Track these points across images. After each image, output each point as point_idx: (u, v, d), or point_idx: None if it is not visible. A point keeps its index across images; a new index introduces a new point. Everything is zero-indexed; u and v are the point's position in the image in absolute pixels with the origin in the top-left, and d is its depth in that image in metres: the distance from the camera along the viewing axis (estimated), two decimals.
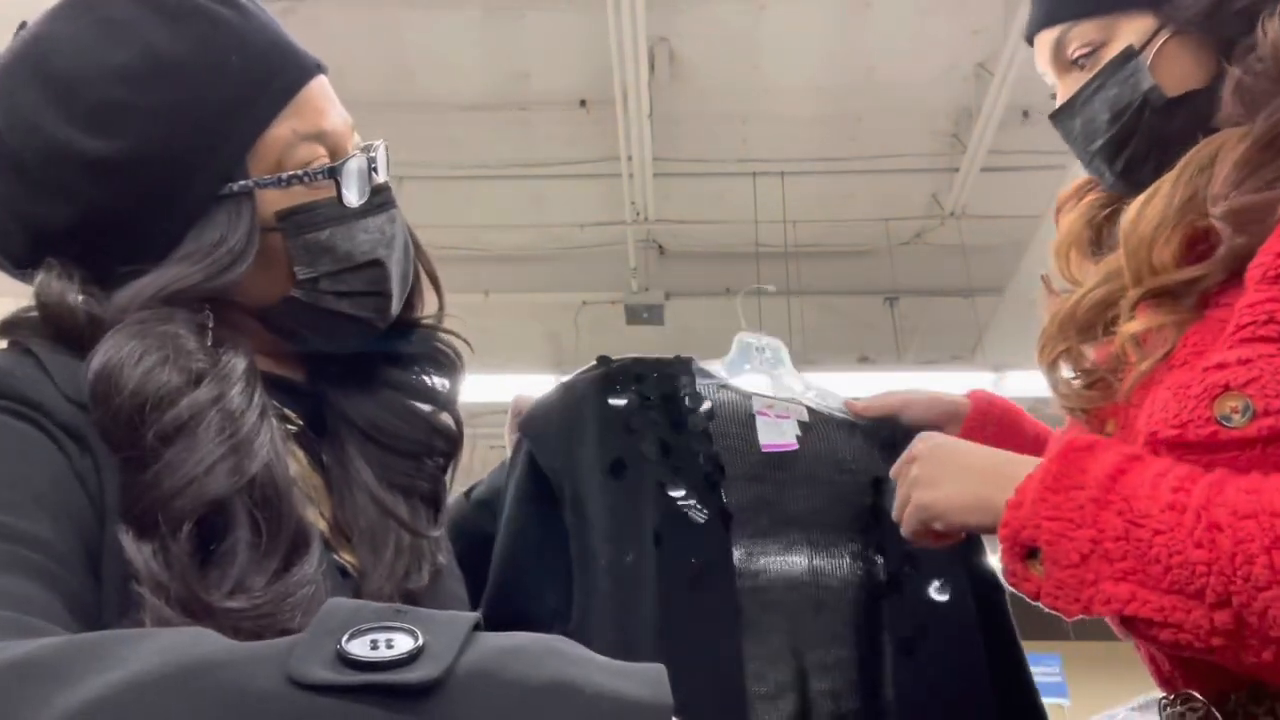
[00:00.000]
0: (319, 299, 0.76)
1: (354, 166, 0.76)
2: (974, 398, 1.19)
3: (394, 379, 0.84)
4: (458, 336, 0.88)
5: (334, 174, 0.75)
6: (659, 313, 5.46)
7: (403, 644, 0.42)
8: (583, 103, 4.42)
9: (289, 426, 0.76)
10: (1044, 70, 0.97)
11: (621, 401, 1.08)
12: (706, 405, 1.12)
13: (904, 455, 0.91)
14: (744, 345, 1.25)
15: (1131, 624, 0.71)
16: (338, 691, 0.40)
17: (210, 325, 0.69)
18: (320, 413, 0.81)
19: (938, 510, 0.84)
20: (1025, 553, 0.75)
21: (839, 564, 1.06)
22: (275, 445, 0.67)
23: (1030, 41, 0.98)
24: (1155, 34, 0.88)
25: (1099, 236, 0.98)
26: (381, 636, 0.42)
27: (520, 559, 1.04)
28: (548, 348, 5.78)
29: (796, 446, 1.13)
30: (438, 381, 0.86)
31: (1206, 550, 0.67)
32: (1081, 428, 0.91)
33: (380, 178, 0.79)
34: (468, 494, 1.18)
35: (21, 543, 0.55)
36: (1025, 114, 4.24)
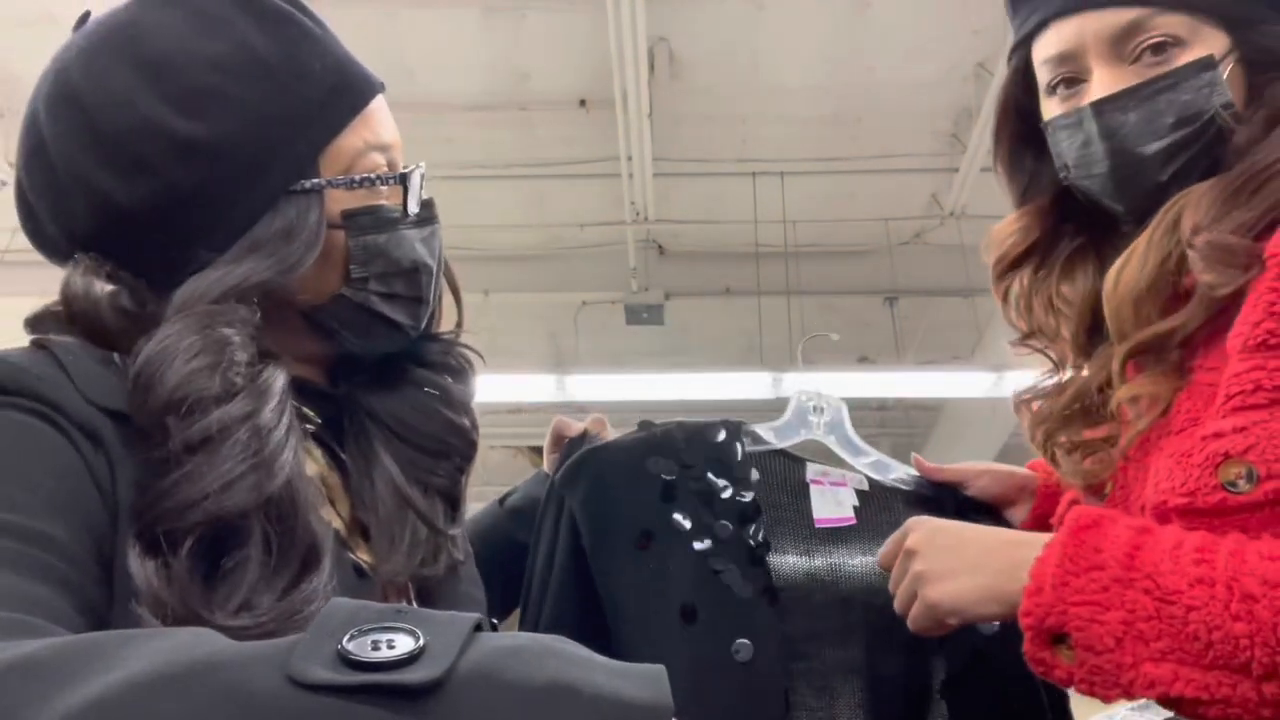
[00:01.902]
0: (367, 299, 0.78)
1: (416, 178, 0.81)
2: (1038, 470, 1.12)
3: (418, 378, 0.86)
4: (472, 349, 0.90)
5: (403, 180, 0.79)
6: (659, 313, 5.46)
7: (404, 644, 0.42)
8: (583, 103, 4.42)
9: (307, 425, 0.77)
10: (1074, 50, 0.88)
11: (660, 468, 1.01)
12: (755, 474, 1.04)
13: (895, 546, 0.89)
14: (800, 406, 1.14)
15: (1177, 704, 0.70)
16: (338, 691, 0.40)
17: (259, 326, 0.70)
18: (339, 414, 0.82)
19: (949, 607, 0.82)
20: (1051, 639, 0.74)
21: (896, 657, 0.98)
22: (297, 462, 0.67)
23: (1061, 15, 0.89)
24: (1229, 53, 0.85)
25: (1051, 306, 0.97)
26: (383, 637, 0.42)
27: (558, 618, 0.99)
28: (548, 348, 5.78)
29: (854, 521, 1.05)
30: (454, 387, 0.87)
31: (1245, 623, 0.67)
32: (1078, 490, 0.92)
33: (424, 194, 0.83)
34: (501, 501, 1.17)
35: (32, 543, 0.55)
36: None
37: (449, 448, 0.85)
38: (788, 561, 1.00)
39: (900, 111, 4.35)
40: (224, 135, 0.71)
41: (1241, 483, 0.74)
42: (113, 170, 0.70)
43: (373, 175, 0.77)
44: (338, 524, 0.76)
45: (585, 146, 4.57)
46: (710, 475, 1.02)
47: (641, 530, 0.97)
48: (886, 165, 4.60)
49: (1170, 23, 0.85)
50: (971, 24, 3.92)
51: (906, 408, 6.39)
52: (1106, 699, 0.72)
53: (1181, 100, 0.84)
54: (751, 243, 4.95)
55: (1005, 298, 1.01)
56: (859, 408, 5.69)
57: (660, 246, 5.30)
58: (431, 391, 0.85)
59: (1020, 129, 0.99)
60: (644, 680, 0.43)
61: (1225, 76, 0.84)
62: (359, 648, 0.41)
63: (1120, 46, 0.86)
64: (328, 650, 0.41)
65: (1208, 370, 0.81)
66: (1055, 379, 0.97)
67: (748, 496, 1.01)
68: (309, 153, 0.75)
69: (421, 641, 0.42)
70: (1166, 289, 0.83)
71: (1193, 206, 0.82)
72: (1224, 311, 0.80)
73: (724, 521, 0.99)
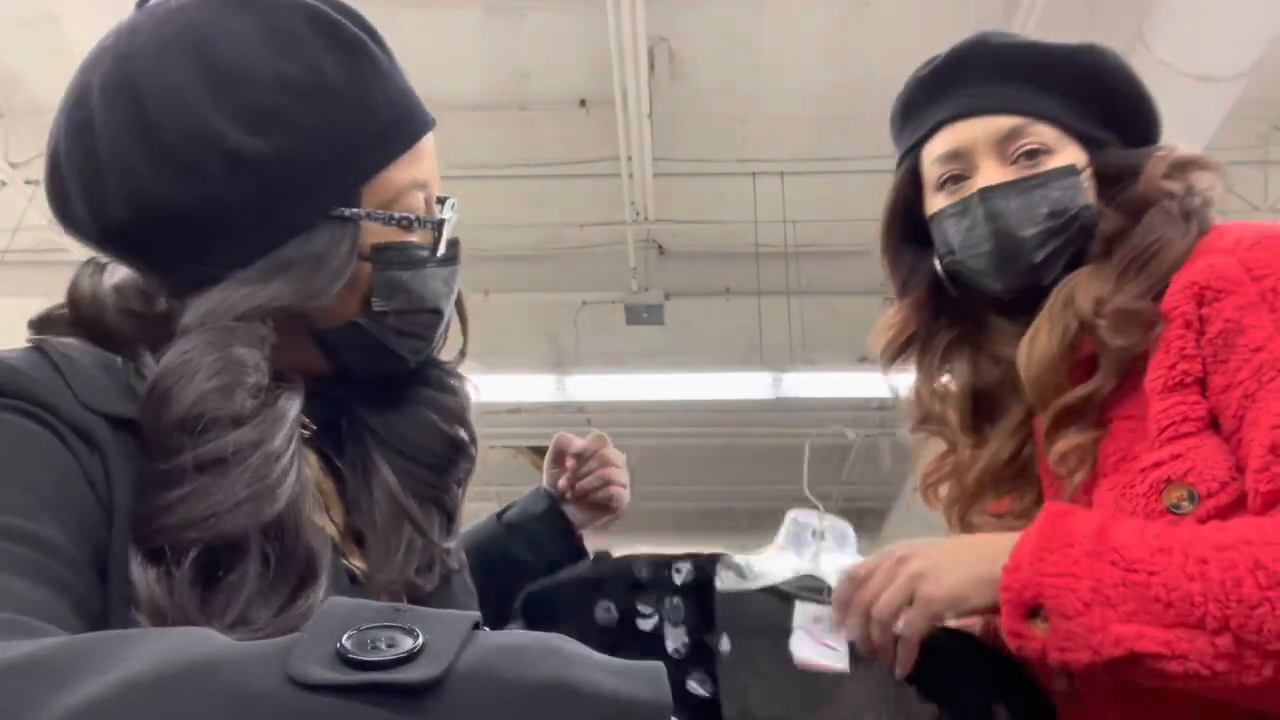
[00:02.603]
0: (380, 332, 0.78)
1: (451, 221, 0.81)
2: None
3: (416, 393, 0.86)
4: (468, 362, 0.90)
5: (439, 226, 0.79)
6: (659, 313, 5.46)
7: (403, 643, 0.42)
8: (583, 103, 4.42)
9: (303, 431, 0.76)
10: (964, 149, 1.02)
11: (608, 616, 0.87)
12: (723, 638, 0.86)
13: (882, 560, 0.90)
14: (797, 528, 0.97)
15: (1139, 661, 0.77)
16: (337, 691, 0.40)
17: (275, 345, 0.70)
18: (334, 417, 0.82)
19: (948, 599, 0.87)
20: (1027, 612, 0.81)
21: None
22: (299, 483, 0.67)
23: (953, 120, 1.03)
24: (1085, 167, 1.02)
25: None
26: (382, 635, 0.42)
27: None
28: (548, 348, 5.77)
29: (846, 668, 0.89)
30: (452, 401, 0.87)
31: (1199, 582, 0.75)
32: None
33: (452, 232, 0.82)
34: (500, 516, 1.16)
35: (28, 545, 0.55)
36: None
37: (447, 461, 0.85)
38: None
39: None
40: (279, 155, 0.70)
41: (1185, 504, 0.83)
42: (159, 169, 0.69)
43: (411, 216, 0.77)
44: (332, 530, 0.76)
45: (585, 146, 4.57)
46: (666, 623, 0.86)
47: None
48: (887, 165, 4.58)
49: (1043, 132, 1.01)
50: (971, 24, 3.90)
51: None
52: (1078, 662, 0.79)
53: (1053, 196, 0.99)
54: (751, 243, 4.95)
55: (899, 383, 1.13)
56: (859, 408, 5.70)
57: (660, 246, 5.29)
58: (429, 408, 0.85)
59: (904, 228, 1.12)
60: (643, 678, 0.42)
61: (1084, 183, 1.01)
62: (357, 646, 0.41)
63: (1003, 148, 1.01)
64: (326, 649, 0.41)
65: (1124, 418, 0.93)
66: (951, 461, 1.09)
67: (704, 652, 0.85)
68: (355, 182, 0.74)
69: (421, 640, 0.42)
70: (1070, 357, 0.96)
71: (1085, 286, 0.96)
72: (1130, 369, 0.93)
73: (681, 684, 0.84)
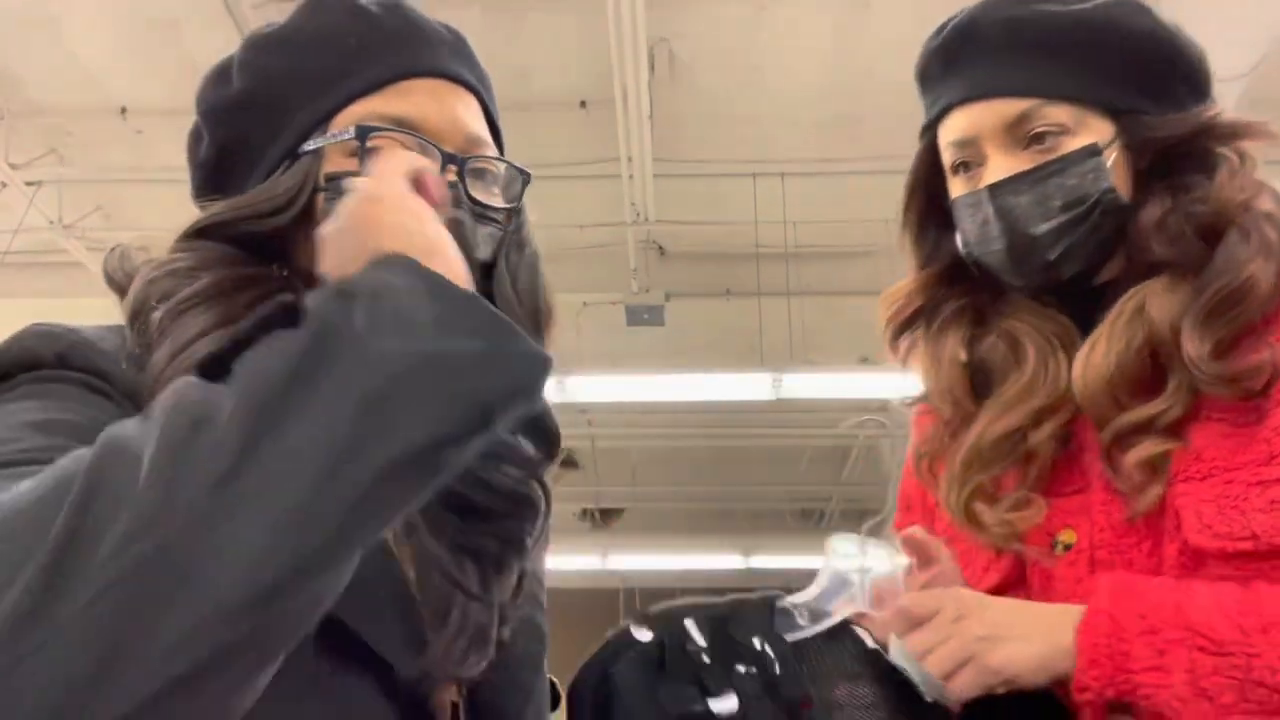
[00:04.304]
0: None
1: (386, 139, 0.74)
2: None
3: None
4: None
5: (361, 136, 0.74)
6: (659, 313, 5.46)
7: None
8: (583, 103, 4.42)
9: None
10: (972, 137, 0.93)
11: (679, 699, 0.74)
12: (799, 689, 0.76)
13: (939, 609, 0.81)
14: (835, 577, 0.84)
15: None
16: None
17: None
18: None
19: (1007, 672, 0.79)
20: (1109, 707, 0.77)
21: None
22: None
23: (961, 103, 0.94)
24: (1112, 142, 0.92)
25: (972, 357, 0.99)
26: None
27: None
28: (548, 348, 5.77)
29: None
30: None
31: None
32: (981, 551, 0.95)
33: (486, 195, 0.80)
34: None
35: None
36: None
37: (490, 510, 0.76)
38: None
39: (900, 111, 4.31)
40: (243, 97, 0.78)
41: None
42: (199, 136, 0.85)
43: (335, 135, 0.75)
44: None
45: (585, 147, 4.57)
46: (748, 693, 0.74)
47: None
48: (887, 165, 4.58)
49: (1058, 113, 0.91)
50: None
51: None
52: None
53: (1069, 185, 0.90)
54: (752, 243, 4.95)
55: (904, 361, 1.05)
56: (860, 409, 5.68)
57: (661, 247, 5.29)
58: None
59: (927, 203, 1.03)
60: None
61: (1110, 163, 0.91)
62: None
63: (1013, 133, 0.92)
64: None
65: (1211, 420, 0.85)
66: (947, 435, 0.99)
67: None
68: (317, 119, 0.76)
69: None
70: (1136, 371, 0.87)
71: (1160, 304, 0.87)
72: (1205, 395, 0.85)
73: None
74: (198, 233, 0.74)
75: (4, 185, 4.76)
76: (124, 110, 4.36)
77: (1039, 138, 0.91)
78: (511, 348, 0.56)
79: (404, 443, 0.49)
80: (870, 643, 0.82)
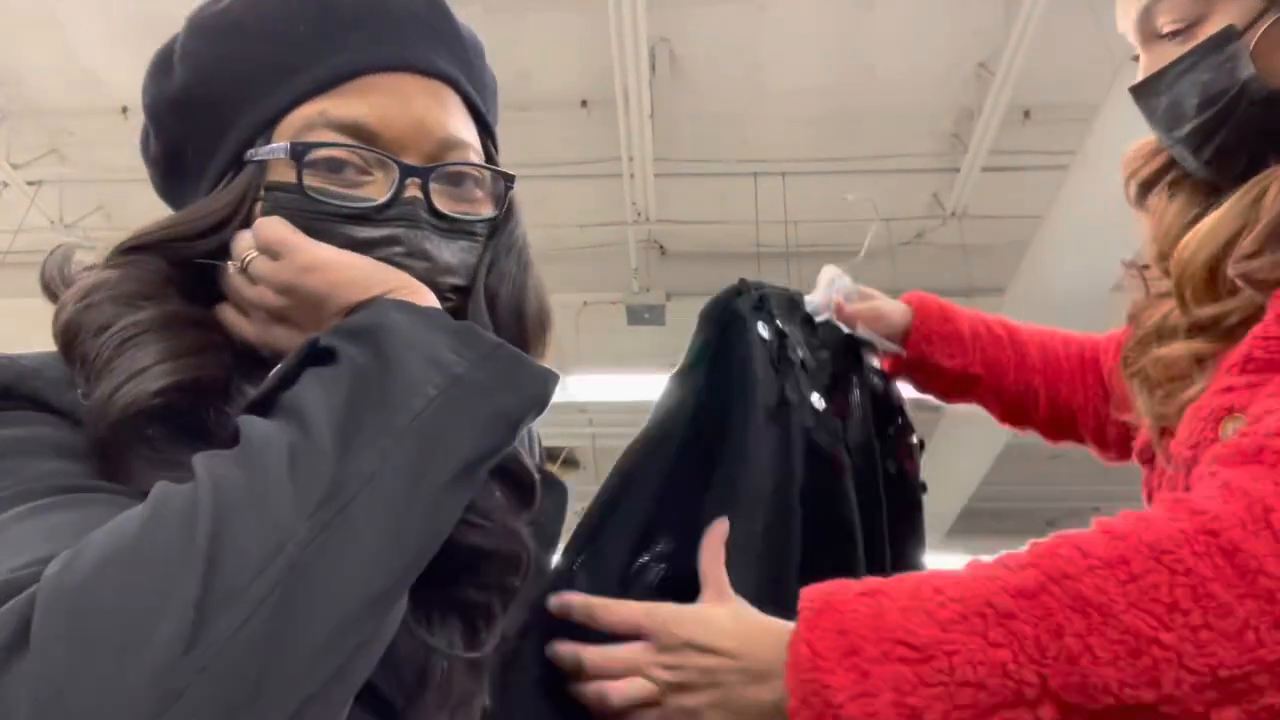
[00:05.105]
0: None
1: (330, 155, 0.67)
2: (911, 302, 1.26)
3: None
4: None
5: (296, 155, 0.66)
6: (660, 313, 5.45)
7: None
8: (583, 103, 4.42)
9: None
10: (1126, 31, 0.87)
11: (767, 333, 0.98)
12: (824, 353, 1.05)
13: (646, 648, 0.74)
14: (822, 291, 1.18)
15: None
16: None
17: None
18: None
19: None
20: None
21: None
22: None
23: None
24: (1261, 16, 0.78)
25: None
26: None
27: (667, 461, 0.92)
28: (546, 351, 5.77)
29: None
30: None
31: (1007, 648, 0.61)
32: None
33: (459, 205, 0.73)
34: None
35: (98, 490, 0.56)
36: (1026, 114, 4.23)
37: (460, 568, 0.66)
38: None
39: (900, 111, 4.35)
40: (185, 94, 0.71)
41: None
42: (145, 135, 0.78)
43: (277, 146, 0.67)
44: None
45: (586, 146, 4.57)
46: (802, 342, 1.03)
47: (777, 401, 0.95)
48: (887, 165, 4.60)
49: (1179, 4, 0.81)
50: (972, 24, 3.92)
51: (908, 408, 6.38)
52: None
53: (1203, 80, 0.80)
54: (753, 243, 4.94)
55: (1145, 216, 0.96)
56: None
57: (661, 247, 5.30)
58: None
59: None
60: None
61: (1254, 44, 0.78)
62: None
63: (1150, 28, 0.84)
64: None
65: (1254, 337, 0.78)
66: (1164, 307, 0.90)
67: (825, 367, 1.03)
68: (262, 121, 0.68)
69: None
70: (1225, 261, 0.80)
71: (1269, 208, 0.77)
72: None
73: (809, 394, 0.99)
74: (133, 249, 0.67)
75: (5, 185, 4.77)
76: (125, 110, 4.35)
77: (1170, 34, 0.82)
78: (516, 365, 0.60)
79: (456, 460, 0.54)
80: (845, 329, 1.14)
